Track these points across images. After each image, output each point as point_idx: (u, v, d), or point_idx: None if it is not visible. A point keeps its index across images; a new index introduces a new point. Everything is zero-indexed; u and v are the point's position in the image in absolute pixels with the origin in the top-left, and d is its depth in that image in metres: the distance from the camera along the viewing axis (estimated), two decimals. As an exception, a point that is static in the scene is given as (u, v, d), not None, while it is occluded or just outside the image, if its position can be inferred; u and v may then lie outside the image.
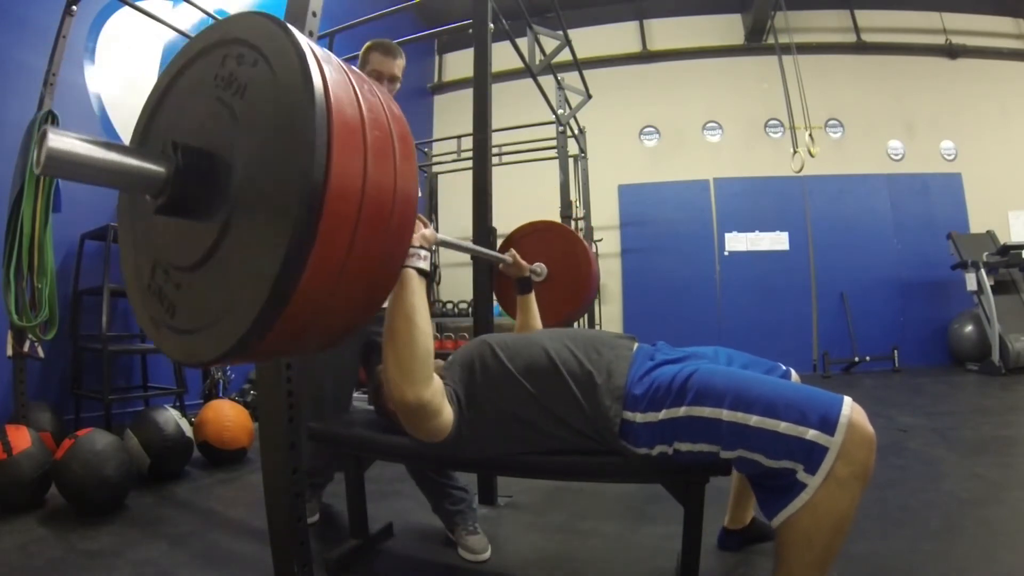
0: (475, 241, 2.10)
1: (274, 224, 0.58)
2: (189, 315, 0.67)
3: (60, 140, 0.56)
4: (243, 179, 0.62)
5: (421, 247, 1.06)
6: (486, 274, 2.10)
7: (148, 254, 0.74)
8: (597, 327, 5.80)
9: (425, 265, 1.06)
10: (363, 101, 0.65)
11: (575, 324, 4.67)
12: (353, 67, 0.70)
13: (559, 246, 2.16)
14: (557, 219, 4.45)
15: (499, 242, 2.19)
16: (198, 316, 0.66)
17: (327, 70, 0.61)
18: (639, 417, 1.13)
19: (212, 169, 0.65)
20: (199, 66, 0.72)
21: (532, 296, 1.82)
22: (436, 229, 1.86)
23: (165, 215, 0.66)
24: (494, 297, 2.16)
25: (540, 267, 2.07)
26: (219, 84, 0.67)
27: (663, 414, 1.09)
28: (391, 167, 0.66)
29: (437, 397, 1.07)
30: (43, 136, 0.55)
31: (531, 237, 2.16)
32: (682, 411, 1.07)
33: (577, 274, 2.12)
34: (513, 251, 1.81)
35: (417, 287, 1.04)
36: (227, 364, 0.65)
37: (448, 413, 1.11)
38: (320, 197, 0.57)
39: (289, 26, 0.64)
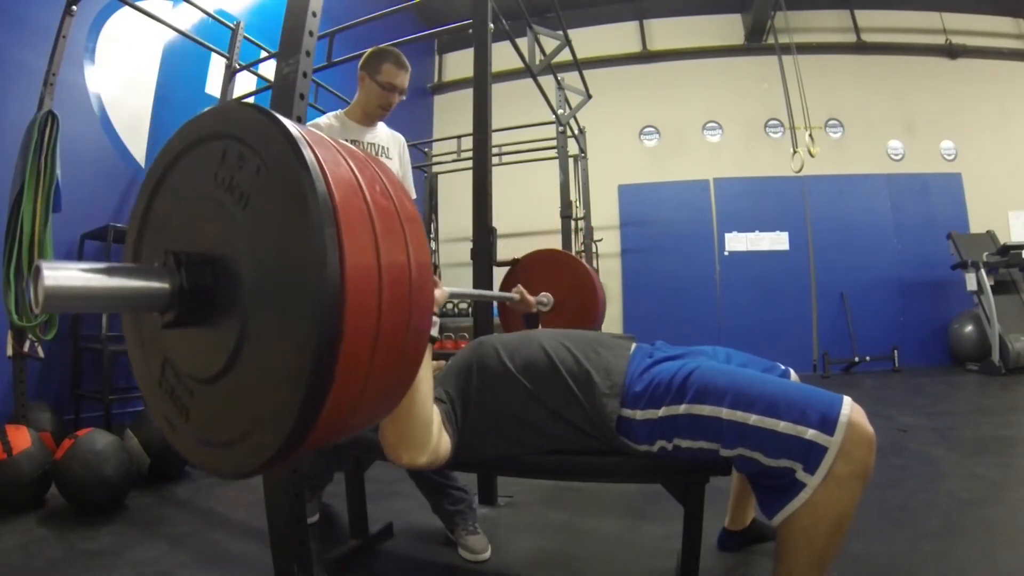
0: (475, 242, 2.10)
1: (296, 330, 0.55)
2: (208, 426, 0.65)
3: (55, 276, 0.52)
4: (253, 286, 0.60)
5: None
6: (486, 274, 2.10)
7: (157, 351, 0.71)
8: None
9: (434, 331, 1.03)
10: (365, 185, 0.63)
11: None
12: (344, 143, 0.68)
13: (564, 273, 2.19)
14: (557, 220, 4.45)
15: (499, 243, 2.19)
16: (220, 429, 0.63)
17: (328, 166, 0.59)
18: (639, 414, 1.13)
19: (218, 278, 0.62)
20: (193, 161, 0.68)
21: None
22: (436, 229, 1.86)
23: (174, 329, 0.63)
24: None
25: (547, 297, 2.09)
26: (220, 186, 0.64)
27: (663, 411, 1.10)
28: (402, 244, 0.64)
29: (433, 453, 1.05)
30: (37, 273, 0.52)
31: (538, 265, 2.20)
32: (682, 409, 1.07)
33: (584, 302, 2.15)
34: (520, 287, 1.82)
35: (425, 356, 1.01)
36: (265, 472, 0.62)
37: (445, 446, 1.09)
38: (340, 296, 0.55)
39: (283, 122, 0.61)
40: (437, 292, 1.08)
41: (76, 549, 1.68)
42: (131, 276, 0.60)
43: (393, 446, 1.01)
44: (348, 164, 0.63)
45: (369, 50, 1.98)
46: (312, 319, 0.54)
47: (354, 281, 0.56)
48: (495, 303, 2.19)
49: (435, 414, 1.07)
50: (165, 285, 0.61)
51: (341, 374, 0.56)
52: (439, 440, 1.07)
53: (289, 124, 0.60)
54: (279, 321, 0.57)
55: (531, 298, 1.81)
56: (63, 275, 0.54)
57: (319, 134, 0.64)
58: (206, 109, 0.73)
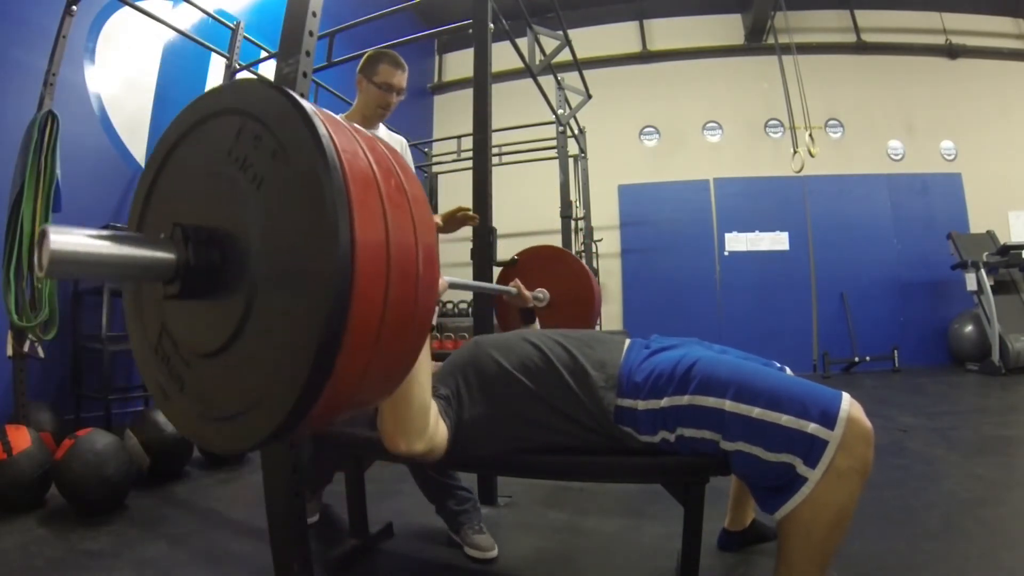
0: (475, 242, 2.10)
1: (305, 306, 0.55)
2: (205, 400, 0.64)
3: (62, 240, 0.52)
4: (262, 261, 0.60)
5: None
6: (486, 274, 2.10)
7: (155, 316, 0.70)
8: (597, 327, 5.80)
9: (432, 321, 1.06)
10: (375, 165, 0.63)
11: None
12: (356, 126, 0.68)
13: (561, 270, 2.19)
14: (557, 220, 4.45)
15: (499, 243, 2.19)
16: (218, 404, 0.62)
17: (341, 144, 0.60)
18: (641, 404, 1.13)
19: (225, 252, 0.62)
20: (205, 135, 0.68)
21: (536, 325, 1.83)
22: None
23: (178, 300, 0.63)
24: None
25: (542, 293, 2.10)
26: (233, 163, 0.64)
27: (665, 401, 1.10)
28: (410, 224, 0.64)
29: (431, 440, 1.06)
30: (43, 237, 0.52)
31: (533, 262, 2.19)
32: (685, 399, 1.08)
33: (580, 297, 2.15)
34: (517, 282, 1.82)
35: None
36: (268, 446, 0.62)
37: (442, 440, 1.10)
38: (349, 273, 0.55)
39: (299, 100, 0.61)
40: (439, 280, 1.09)
41: (76, 549, 1.68)
42: (137, 246, 0.60)
43: (391, 434, 1.02)
44: (362, 147, 0.64)
45: (366, 53, 1.99)
46: (322, 293, 0.54)
47: (364, 258, 0.57)
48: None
49: (432, 404, 1.07)
50: (171, 257, 0.60)
51: (348, 346, 0.56)
52: (436, 429, 1.08)
53: (308, 106, 0.60)
54: (286, 297, 0.57)
55: (528, 293, 1.82)
56: (69, 240, 0.53)
57: (333, 117, 0.64)
58: (224, 83, 0.72)
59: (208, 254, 0.62)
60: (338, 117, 0.68)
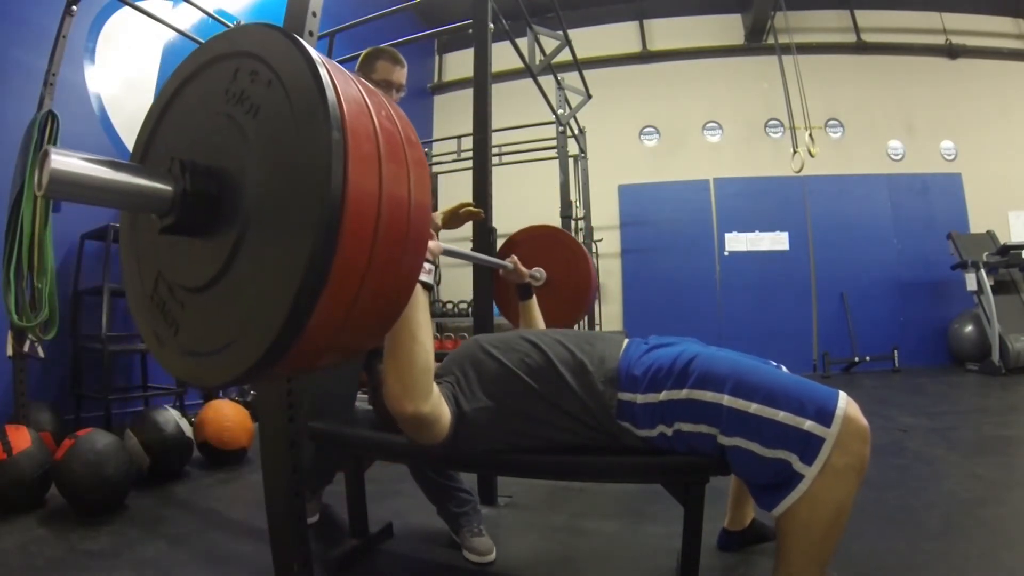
0: (475, 241, 2.10)
1: (292, 240, 0.56)
2: (196, 337, 0.65)
3: (63, 161, 0.54)
4: (255, 197, 0.61)
5: (427, 259, 1.06)
6: (486, 274, 2.10)
7: (152, 264, 0.72)
8: (597, 327, 5.80)
9: (428, 279, 1.07)
10: (375, 114, 0.64)
11: (575, 326, 4.67)
12: (361, 78, 0.69)
13: (558, 251, 2.16)
14: (557, 220, 4.45)
15: (499, 243, 2.19)
16: (207, 339, 0.64)
17: (341, 86, 0.60)
18: (639, 398, 1.14)
19: (221, 187, 0.63)
20: (208, 78, 0.70)
21: (534, 301, 1.83)
22: (436, 229, 1.85)
23: (171, 235, 0.64)
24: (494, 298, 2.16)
25: (539, 272, 2.08)
26: (230, 100, 0.65)
27: (663, 395, 1.11)
28: (405, 180, 0.65)
29: (436, 407, 1.07)
30: (45, 157, 0.53)
31: (531, 242, 2.16)
32: (683, 394, 1.09)
33: (577, 278, 2.13)
34: (514, 257, 1.82)
35: (421, 300, 1.04)
36: (239, 385, 0.63)
37: (446, 416, 1.11)
38: (339, 209, 0.56)
39: (301, 41, 0.62)
40: (432, 243, 1.10)
41: (76, 549, 1.68)
42: (136, 174, 0.61)
43: (397, 396, 1.02)
44: (363, 96, 0.64)
45: (363, 52, 1.98)
46: (309, 233, 0.55)
47: (354, 202, 0.57)
48: (495, 307, 2.18)
49: (435, 389, 1.08)
50: (168, 188, 0.61)
51: (330, 289, 0.57)
52: (440, 405, 1.09)
53: (309, 46, 0.62)
54: (276, 231, 0.58)
55: (524, 269, 1.81)
56: (70, 162, 0.54)
57: (337, 65, 0.65)
58: (223, 30, 0.74)
59: (204, 186, 0.62)
60: None
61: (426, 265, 1.06)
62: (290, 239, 0.56)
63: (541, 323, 1.81)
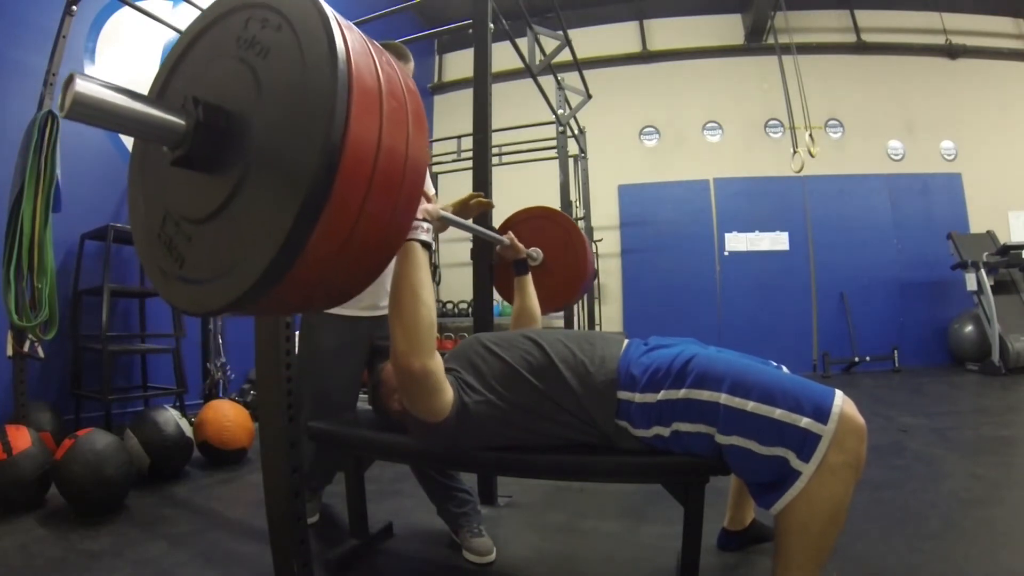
0: (474, 243, 2.10)
1: (289, 182, 0.60)
2: (198, 266, 0.69)
3: (87, 85, 0.57)
4: (261, 138, 0.64)
5: (424, 219, 1.10)
6: (486, 274, 2.10)
7: (159, 205, 0.76)
8: (597, 327, 5.80)
9: (428, 237, 1.10)
10: (381, 70, 0.67)
11: (575, 322, 4.67)
12: (373, 42, 0.72)
13: (555, 233, 2.16)
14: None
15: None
16: (207, 267, 0.67)
17: (349, 38, 0.63)
18: (637, 397, 1.14)
19: (230, 126, 0.67)
20: (221, 27, 0.74)
21: (529, 278, 1.84)
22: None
23: (182, 167, 0.67)
24: (495, 295, 2.15)
25: (536, 251, 2.07)
26: (242, 45, 0.68)
27: (661, 395, 1.11)
28: (404, 136, 0.68)
29: (440, 371, 1.10)
30: (70, 80, 0.56)
31: (528, 223, 2.16)
32: (681, 393, 1.09)
33: (574, 260, 2.13)
34: (510, 233, 1.82)
35: (421, 259, 1.07)
36: (232, 314, 0.67)
37: (449, 393, 1.13)
38: (336, 158, 0.59)
39: None
40: (430, 205, 1.14)
41: (76, 549, 1.68)
42: (153, 106, 0.65)
43: (404, 353, 1.05)
44: (369, 47, 0.68)
45: None
46: (303, 180, 0.58)
47: (355, 141, 0.60)
48: (495, 304, 2.18)
49: (438, 357, 1.11)
50: (181, 121, 0.66)
51: (318, 238, 0.60)
52: (443, 380, 1.11)
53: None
54: (278, 168, 0.62)
55: (520, 245, 1.82)
56: (93, 87, 0.58)
57: (349, 23, 0.69)
58: None
59: (215, 120, 0.66)
60: None
61: (424, 224, 1.09)
62: (290, 177, 0.60)
63: (535, 299, 1.81)
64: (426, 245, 1.09)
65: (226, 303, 0.65)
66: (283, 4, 0.66)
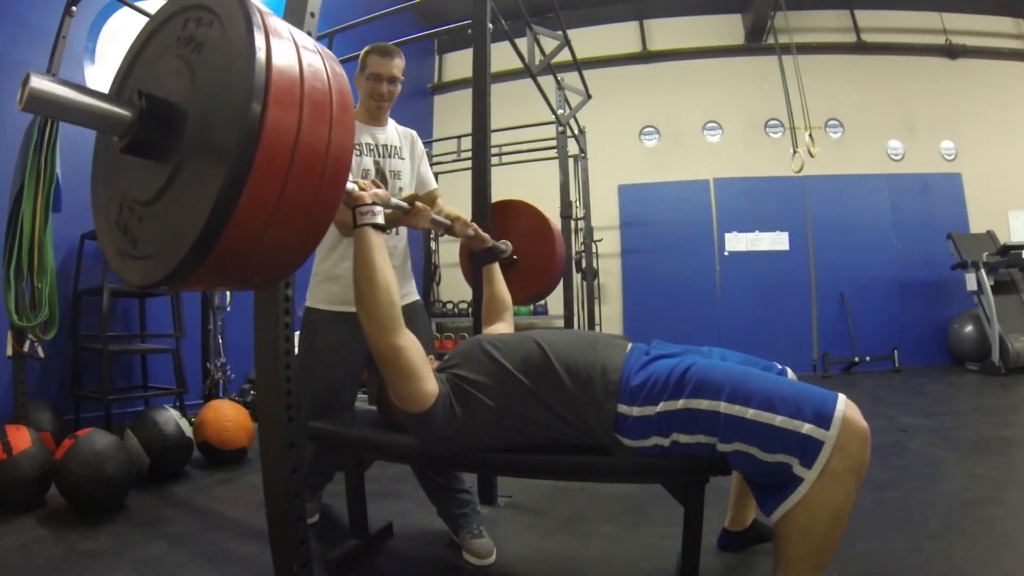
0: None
1: (214, 166, 0.66)
2: (147, 243, 0.77)
3: (41, 82, 0.66)
4: (195, 124, 0.71)
5: (375, 204, 1.13)
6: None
7: (115, 193, 0.84)
8: (597, 328, 5.79)
9: (380, 220, 1.14)
10: (303, 59, 0.73)
11: (575, 322, 4.66)
12: (299, 31, 0.78)
13: (525, 225, 2.17)
14: (557, 220, 4.45)
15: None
16: (153, 244, 0.75)
17: (271, 30, 0.70)
18: (635, 411, 1.14)
19: (171, 116, 0.73)
20: (166, 31, 0.82)
21: (496, 267, 1.82)
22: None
23: (129, 154, 0.74)
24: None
25: (505, 244, 2.07)
26: (181, 44, 0.76)
27: (660, 407, 1.11)
28: (326, 120, 0.73)
29: (411, 349, 1.12)
30: (27, 79, 0.64)
31: (497, 215, 2.16)
32: (680, 404, 1.09)
33: (543, 252, 2.15)
34: (473, 224, 1.80)
35: (374, 243, 1.11)
36: (174, 284, 0.75)
37: (431, 382, 1.15)
38: (254, 135, 0.65)
39: None
40: (381, 191, 1.18)
41: (76, 549, 1.68)
42: (103, 99, 0.73)
43: (371, 333, 1.10)
44: (295, 44, 0.73)
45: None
46: (224, 163, 0.65)
47: (271, 132, 0.66)
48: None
49: (411, 338, 1.15)
50: (127, 113, 0.73)
51: (242, 214, 0.66)
52: (422, 365, 1.14)
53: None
54: (206, 154, 0.68)
55: (484, 234, 1.80)
56: (47, 84, 0.67)
57: (279, 19, 0.76)
58: None
59: (157, 110, 0.73)
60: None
61: (376, 209, 1.13)
62: (217, 155, 0.66)
63: (504, 286, 1.80)
64: (379, 227, 1.13)
65: (168, 271, 0.71)
66: (216, 3, 0.73)
